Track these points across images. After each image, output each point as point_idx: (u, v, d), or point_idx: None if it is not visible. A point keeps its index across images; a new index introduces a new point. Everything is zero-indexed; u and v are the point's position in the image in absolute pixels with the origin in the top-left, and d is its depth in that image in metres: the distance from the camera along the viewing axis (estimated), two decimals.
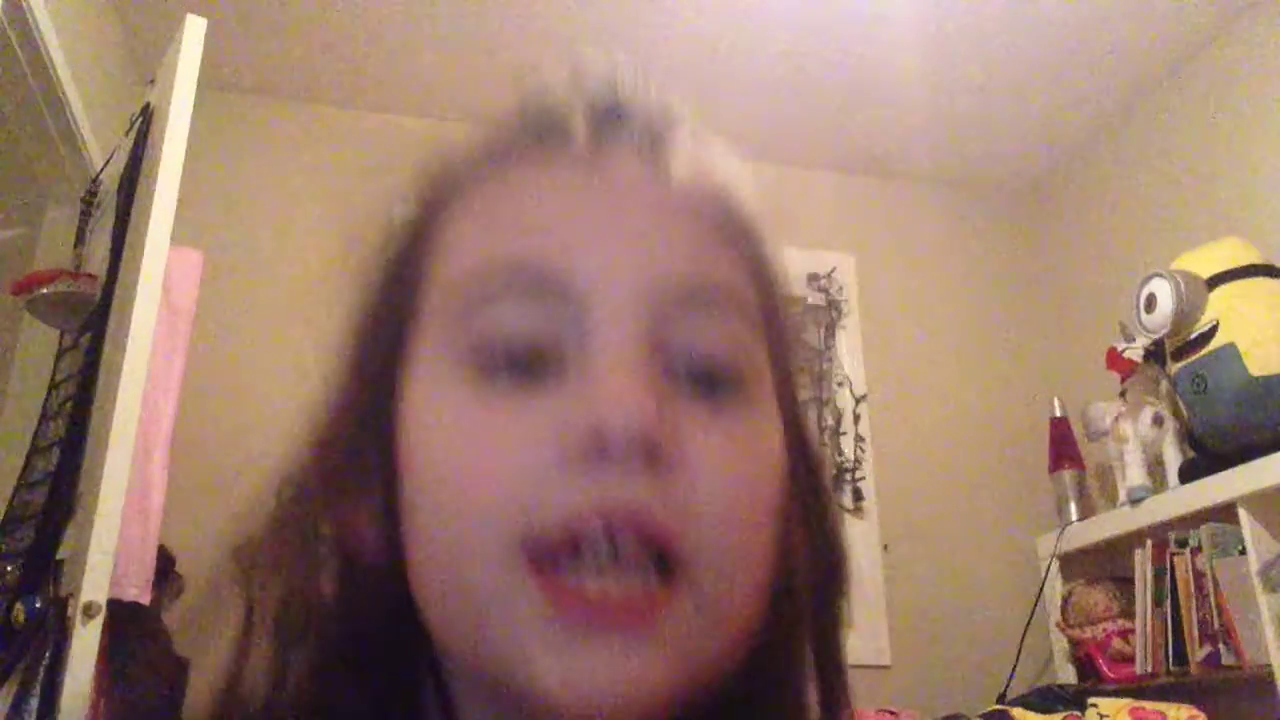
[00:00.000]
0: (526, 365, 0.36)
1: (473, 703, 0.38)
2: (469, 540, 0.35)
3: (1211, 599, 2.12)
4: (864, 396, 2.84)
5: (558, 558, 0.34)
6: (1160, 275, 2.29)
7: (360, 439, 0.40)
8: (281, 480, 0.44)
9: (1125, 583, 2.42)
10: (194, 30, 1.87)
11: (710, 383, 0.37)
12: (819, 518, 0.42)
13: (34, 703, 1.45)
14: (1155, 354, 2.41)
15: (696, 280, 0.38)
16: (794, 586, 0.39)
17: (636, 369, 0.35)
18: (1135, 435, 2.42)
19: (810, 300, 2.86)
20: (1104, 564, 2.54)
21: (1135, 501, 2.37)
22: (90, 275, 1.96)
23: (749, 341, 0.39)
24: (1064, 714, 2.17)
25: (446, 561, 0.36)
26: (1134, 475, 2.40)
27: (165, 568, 2.09)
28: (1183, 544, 2.23)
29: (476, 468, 0.35)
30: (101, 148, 2.25)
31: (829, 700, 0.41)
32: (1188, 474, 2.29)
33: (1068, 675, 2.50)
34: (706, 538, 0.35)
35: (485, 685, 0.36)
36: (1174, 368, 2.30)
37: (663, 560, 0.34)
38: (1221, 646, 2.08)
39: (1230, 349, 2.16)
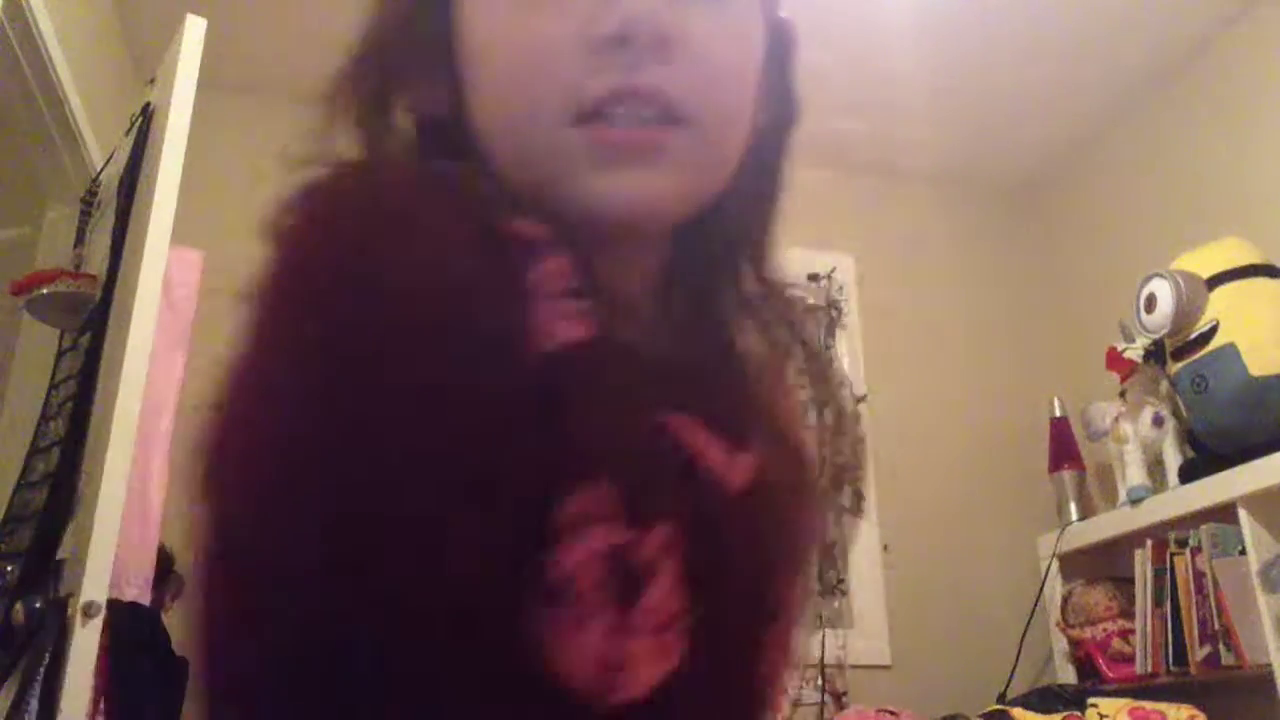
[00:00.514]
0: None
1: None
2: (531, 112, 0.48)
3: (1211, 599, 2.12)
4: (864, 397, 2.84)
5: (599, 116, 0.47)
6: (1160, 275, 2.29)
7: (422, 35, 0.53)
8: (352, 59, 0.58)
9: (1125, 583, 2.42)
10: (194, 30, 1.88)
11: None
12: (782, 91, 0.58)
13: (34, 703, 1.45)
14: (1155, 354, 2.41)
15: None
16: (754, 140, 0.54)
17: None
18: (1135, 435, 2.42)
19: (810, 300, 2.87)
20: (1104, 564, 2.54)
21: (1135, 501, 2.37)
22: (90, 275, 1.96)
23: None
24: (1064, 714, 2.17)
25: (513, 125, 0.49)
26: (1134, 475, 2.40)
27: (165, 568, 2.09)
28: (1183, 544, 2.23)
29: (532, 60, 0.48)
30: (101, 148, 2.25)
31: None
32: (1188, 474, 2.29)
33: (1068, 675, 2.50)
34: (704, 98, 0.48)
35: (542, 206, 0.47)
36: (1174, 368, 2.30)
37: (672, 115, 0.48)
38: (1221, 646, 2.08)
39: (1230, 349, 2.16)
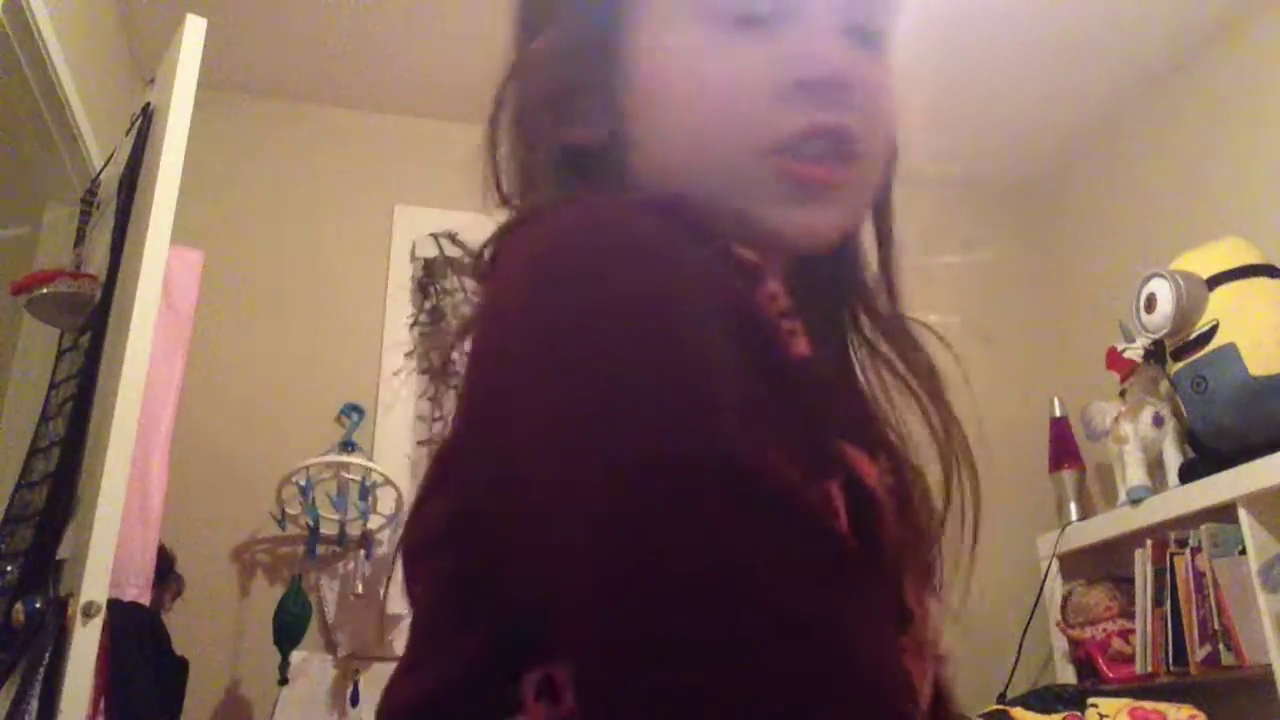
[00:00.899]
0: (750, 21, 0.52)
1: None
2: (725, 145, 0.52)
3: (1211, 599, 2.12)
4: None
5: (787, 151, 0.52)
6: (1160, 275, 2.29)
7: (591, 64, 0.56)
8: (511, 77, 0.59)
9: (1125, 583, 2.42)
10: (194, 30, 1.88)
11: (864, 37, 0.54)
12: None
13: (34, 703, 1.45)
14: (1155, 354, 2.41)
15: None
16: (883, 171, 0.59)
17: (832, 29, 0.53)
18: (1135, 435, 2.42)
19: None
20: (1104, 564, 2.54)
21: (1135, 501, 2.37)
22: (90, 275, 1.96)
23: (889, 18, 0.56)
24: (1064, 714, 2.17)
25: (702, 156, 0.53)
26: (1134, 475, 2.40)
27: (165, 568, 2.09)
28: (1183, 544, 2.23)
29: (728, 98, 0.52)
30: (101, 148, 2.25)
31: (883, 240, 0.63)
32: (1188, 474, 2.29)
33: (1068, 675, 2.50)
34: (871, 141, 0.54)
35: (730, 229, 0.50)
36: (1174, 368, 2.30)
37: (848, 154, 0.53)
38: (1221, 646, 2.08)
39: (1230, 349, 2.16)
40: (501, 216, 0.56)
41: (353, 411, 2.54)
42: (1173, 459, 2.37)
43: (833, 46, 0.53)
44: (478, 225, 0.57)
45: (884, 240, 0.63)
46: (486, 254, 0.52)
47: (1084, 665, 2.48)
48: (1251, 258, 2.26)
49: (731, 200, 0.52)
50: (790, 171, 0.52)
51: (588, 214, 0.47)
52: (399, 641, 2.34)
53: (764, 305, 0.47)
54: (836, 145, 0.52)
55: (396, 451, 2.53)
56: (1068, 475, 2.69)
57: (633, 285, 0.41)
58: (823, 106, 0.52)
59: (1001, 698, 2.39)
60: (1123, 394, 2.53)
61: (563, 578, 0.38)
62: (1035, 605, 2.58)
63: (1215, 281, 2.24)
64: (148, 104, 2.00)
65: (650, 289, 0.41)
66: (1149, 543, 2.32)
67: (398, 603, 2.33)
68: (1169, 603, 2.22)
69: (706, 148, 0.53)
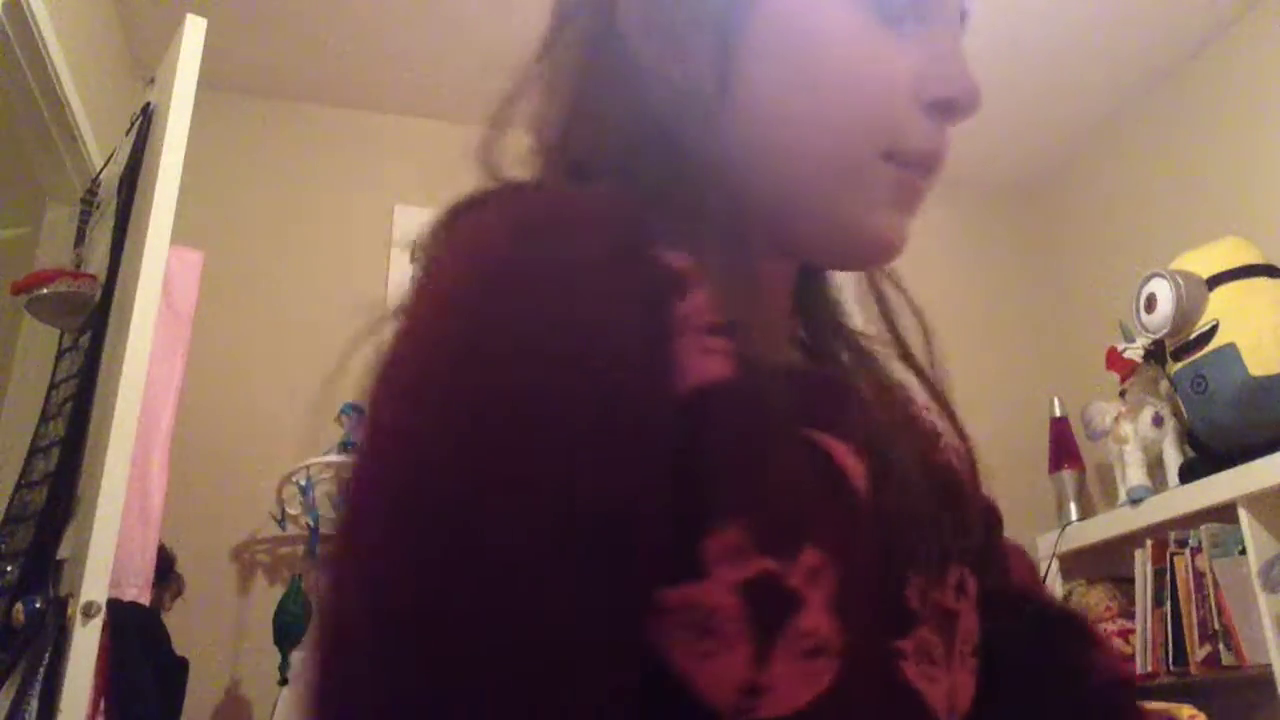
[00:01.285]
0: (893, 16, 0.50)
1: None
2: (852, 130, 0.50)
3: (1211, 599, 2.12)
4: None
5: (903, 160, 0.51)
6: (1160, 275, 2.29)
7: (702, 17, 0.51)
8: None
9: (1125, 583, 2.42)
10: (194, 30, 1.88)
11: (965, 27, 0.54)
12: None
13: (34, 703, 1.45)
14: (1155, 354, 2.41)
15: None
16: None
17: (956, 27, 0.53)
18: (1135, 435, 2.42)
19: None
20: (1104, 564, 2.54)
21: (1135, 501, 2.37)
22: (90, 275, 1.96)
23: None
24: None
25: (816, 134, 0.50)
26: (1134, 475, 2.40)
27: (165, 568, 2.09)
28: (1183, 544, 2.23)
29: (873, 84, 0.50)
30: (101, 148, 2.25)
31: None
32: (1188, 474, 2.29)
33: None
34: None
35: (803, 222, 0.52)
36: (1174, 368, 2.30)
37: (933, 169, 0.53)
38: (1221, 646, 2.08)
39: (1230, 349, 2.16)
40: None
41: (353, 411, 2.54)
42: (1173, 459, 2.37)
43: (966, 62, 0.52)
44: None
45: None
46: (433, 238, 0.48)
47: None
48: (1251, 258, 2.26)
49: (834, 194, 0.51)
50: (898, 180, 0.51)
51: (510, 221, 0.44)
52: None
53: (684, 318, 0.42)
54: (937, 165, 0.53)
55: None
56: (1068, 475, 2.69)
57: (517, 317, 0.40)
58: (943, 125, 0.52)
59: None
60: (1123, 394, 2.53)
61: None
62: None
63: (1215, 281, 2.24)
64: (148, 104, 2.00)
65: (533, 326, 0.40)
66: (1149, 543, 2.32)
67: None
68: (1169, 603, 2.22)
69: (828, 131, 0.50)
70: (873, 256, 0.55)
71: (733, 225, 0.49)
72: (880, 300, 0.61)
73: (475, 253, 0.44)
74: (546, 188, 0.50)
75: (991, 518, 0.66)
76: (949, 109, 0.51)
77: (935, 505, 0.52)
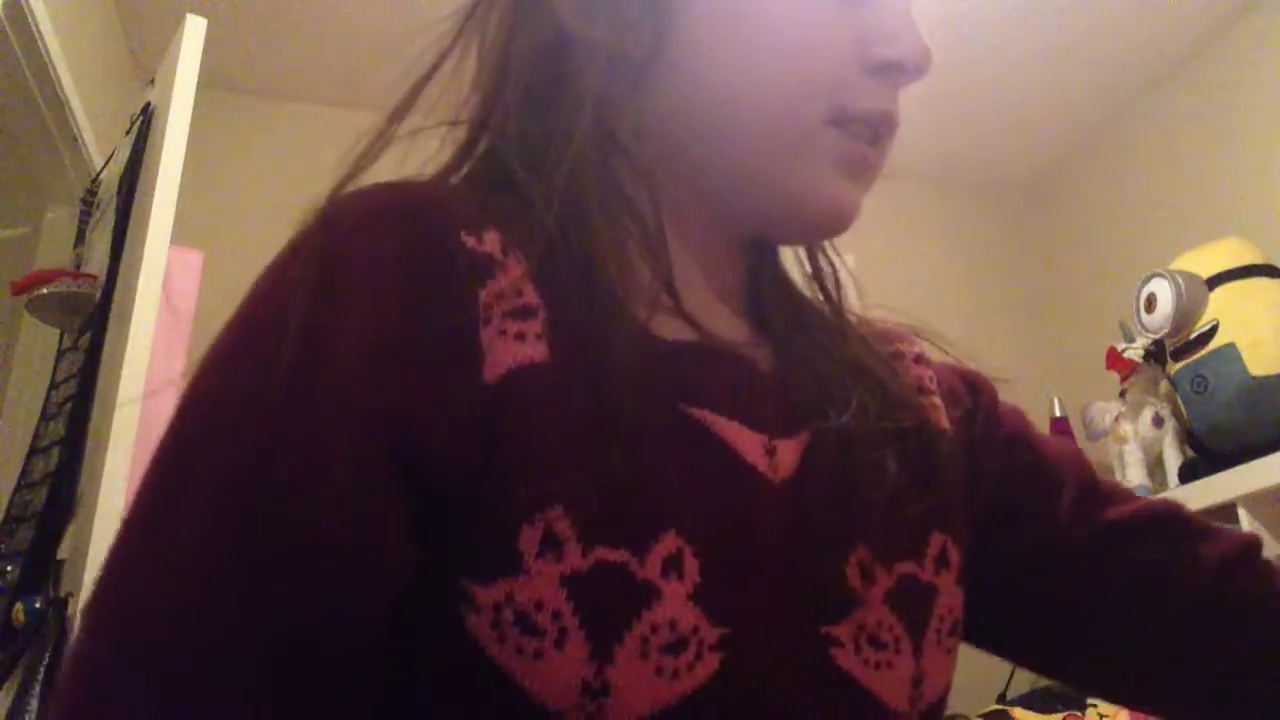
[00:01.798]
0: None
1: (680, 213, 0.51)
2: (793, 94, 0.48)
3: None
4: None
5: (847, 124, 0.49)
6: (1160, 275, 2.29)
7: None
8: None
9: None
10: (194, 30, 1.87)
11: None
12: None
13: (34, 703, 1.45)
14: (1155, 354, 2.41)
15: None
16: None
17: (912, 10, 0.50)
18: (1135, 435, 2.42)
19: None
20: None
21: None
22: (90, 275, 1.96)
23: None
24: (1064, 714, 2.17)
25: (757, 99, 0.48)
26: (1134, 475, 2.40)
27: None
28: None
29: (815, 45, 0.48)
30: (101, 148, 2.25)
31: None
32: (1188, 474, 2.28)
33: None
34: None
35: (742, 193, 0.50)
36: (1174, 368, 2.30)
37: (883, 137, 0.51)
38: None
39: (1230, 349, 2.16)
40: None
41: None
42: (1173, 459, 2.37)
43: (915, 24, 0.51)
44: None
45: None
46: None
47: None
48: (1251, 258, 2.26)
49: (778, 163, 0.49)
50: (845, 148, 0.50)
51: (323, 219, 0.44)
52: None
53: (489, 302, 0.41)
54: (887, 130, 0.51)
55: None
56: None
57: (317, 275, 0.41)
58: (894, 89, 0.50)
59: (1001, 698, 2.38)
60: (1123, 394, 2.53)
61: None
62: None
63: (1215, 281, 2.23)
64: (148, 104, 2.00)
65: (333, 276, 0.41)
66: None
67: None
68: None
69: (770, 96, 0.49)
70: (821, 227, 0.53)
71: (644, 199, 0.48)
72: (818, 273, 0.58)
73: (285, 251, 0.45)
74: (377, 185, 0.48)
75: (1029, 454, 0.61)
76: (897, 70, 0.50)
77: (896, 474, 0.50)
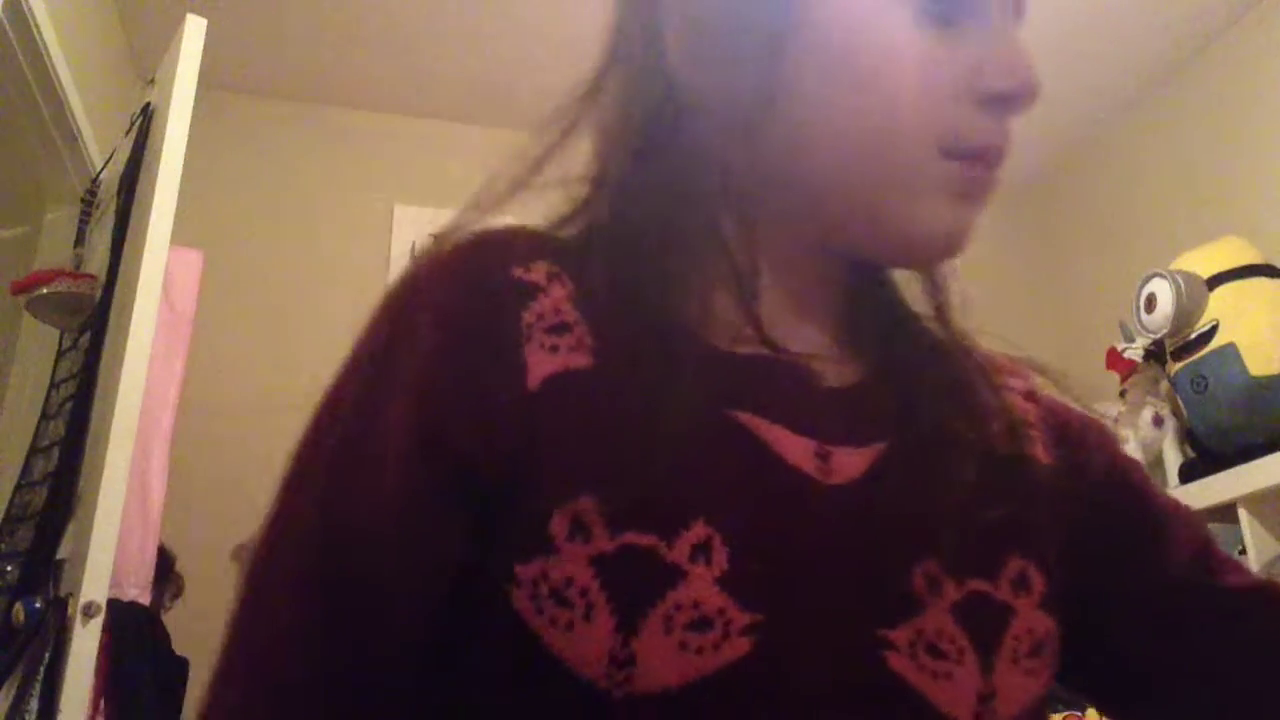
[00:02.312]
0: (944, 19, 0.50)
1: (776, 241, 0.54)
2: (902, 130, 0.49)
3: None
4: None
5: (959, 154, 0.50)
6: (1160, 275, 2.29)
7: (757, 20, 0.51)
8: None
9: None
10: (194, 30, 1.88)
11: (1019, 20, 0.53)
12: None
13: (34, 703, 1.45)
14: (1155, 354, 2.41)
15: None
16: None
17: (1006, 24, 0.51)
18: (1135, 435, 2.42)
19: None
20: None
21: None
22: (90, 275, 1.96)
23: None
24: (1064, 714, 2.17)
25: (866, 137, 0.50)
26: None
27: (165, 568, 2.09)
28: None
29: (920, 81, 0.49)
30: (101, 148, 2.25)
31: None
32: (1188, 474, 2.28)
33: None
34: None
35: (857, 224, 0.52)
36: (1174, 368, 2.30)
37: (995, 161, 0.52)
38: None
39: (1230, 349, 2.16)
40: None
41: None
42: (1173, 459, 2.37)
43: (1024, 54, 0.51)
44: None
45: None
46: None
47: None
48: (1251, 258, 2.26)
49: (885, 195, 0.51)
50: (958, 176, 0.51)
51: (411, 269, 0.51)
52: None
53: (531, 323, 0.47)
54: (1001, 157, 0.52)
55: None
56: None
57: (366, 339, 0.51)
58: (1002, 119, 0.51)
59: None
60: (1123, 394, 2.53)
61: None
62: None
63: (1215, 281, 2.23)
64: (147, 104, 2.00)
65: (407, 313, 0.49)
66: None
67: None
68: None
69: (881, 139, 0.50)
70: (935, 254, 0.54)
71: (735, 234, 0.52)
72: (930, 294, 0.60)
73: (380, 301, 0.52)
74: (456, 239, 0.52)
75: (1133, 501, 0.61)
76: (1006, 101, 0.51)
77: (976, 493, 0.50)
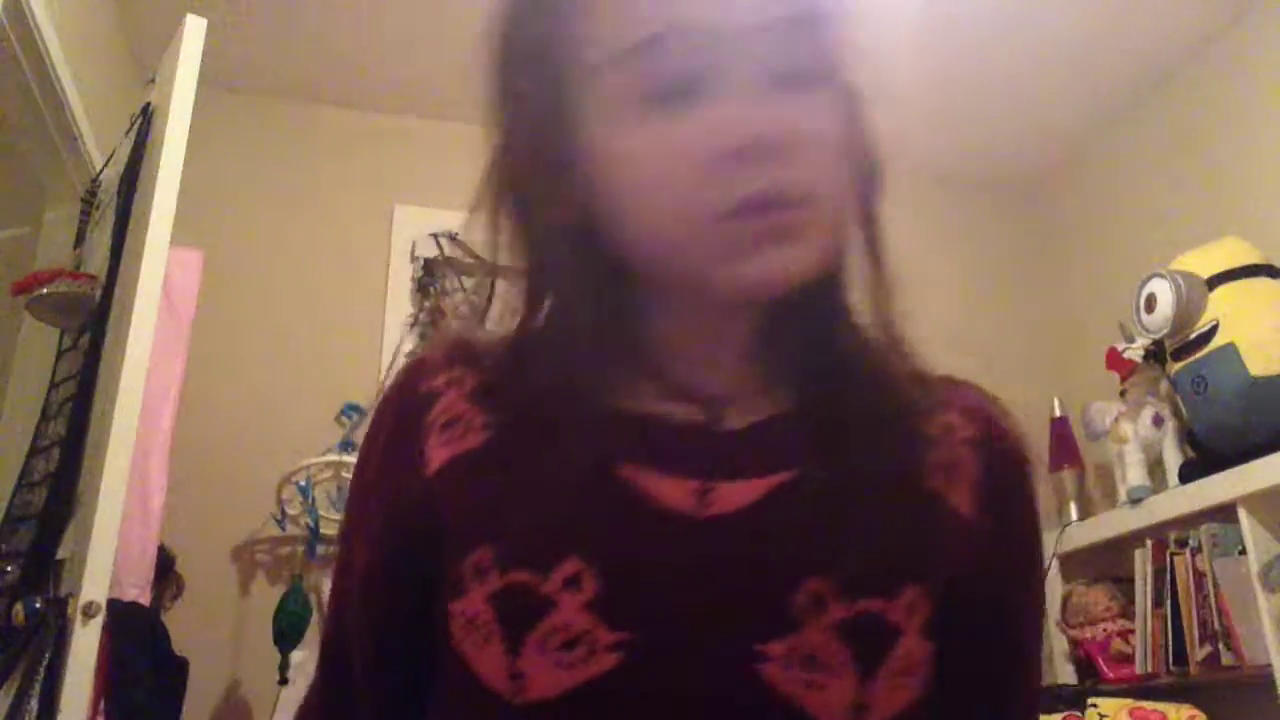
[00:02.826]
0: (683, 95, 0.53)
1: (667, 304, 0.60)
2: (669, 216, 0.54)
3: (1211, 599, 2.12)
4: None
5: (742, 211, 0.52)
6: (1160, 275, 2.29)
7: (550, 157, 0.58)
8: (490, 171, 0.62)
9: (1125, 583, 2.42)
10: (194, 30, 1.88)
11: (797, 82, 0.54)
12: (863, 153, 0.62)
13: (34, 703, 1.45)
14: (1155, 354, 2.41)
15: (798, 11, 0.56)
16: (853, 200, 0.60)
17: (760, 85, 0.53)
18: (1135, 435, 2.42)
19: None
20: (1104, 564, 2.54)
21: (1135, 501, 2.37)
22: (90, 275, 1.96)
23: (828, 55, 0.58)
24: (1064, 714, 2.17)
25: (660, 223, 0.55)
26: (1134, 475, 2.40)
27: (165, 568, 2.09)
28: (1183, 544, 2.23)
29: (666, 170, 0.53)
30: (101, 148, 2.25)
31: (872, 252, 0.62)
32: (1188, 474, 2.28)
33: (1068, 675, 2.50)
34: (815, 178, 0.54)
35: (683, 292, 0.58)
36: (1174, 368, 2.30)
37: (796, 200, 0.53)
38: (1221, 646, 2.07)
39: (1230, 349, 2.16)
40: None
41: (353, 412, 2.54)
42: (1173, 459, 2.37)
43: (754, 108, 0.53)
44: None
45: (874, 260, 0.61)
46: None
47: (1084, 665, 2.47)
48: (1251, 258, 2.26)
49: (695, 258, 0.55)
50: (748, 229, 0.53)
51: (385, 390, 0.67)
52: None
53: (432, 421, 0.60)
54: (778, 198, 0.53)
55: None
56: (1068, 475, 2.69)
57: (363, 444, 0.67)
58: (754, 170, 0.52)
59: None
60: (1123, 394, 2.53)
61: None
62: None
63: (1215, 281, 2.23)
64: (148, 104, 2.00)
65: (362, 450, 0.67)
66: (1149, 543, 2.32)
67: None
68: (1169, 603, 2.22)
69: (657, 224, 0.55)
70: (761, 295, 0.57)
71: (624, 304, 0.60)
72: (876, 305, 0.62)
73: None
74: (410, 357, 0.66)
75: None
76: (743, 154, 0.52)
77: (879, 522, 0.54)
